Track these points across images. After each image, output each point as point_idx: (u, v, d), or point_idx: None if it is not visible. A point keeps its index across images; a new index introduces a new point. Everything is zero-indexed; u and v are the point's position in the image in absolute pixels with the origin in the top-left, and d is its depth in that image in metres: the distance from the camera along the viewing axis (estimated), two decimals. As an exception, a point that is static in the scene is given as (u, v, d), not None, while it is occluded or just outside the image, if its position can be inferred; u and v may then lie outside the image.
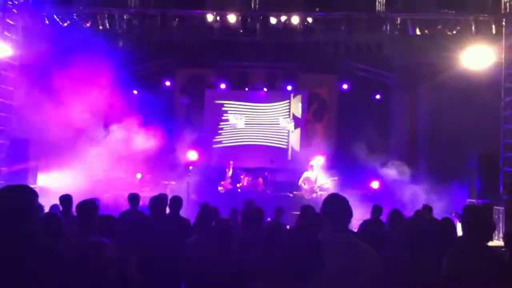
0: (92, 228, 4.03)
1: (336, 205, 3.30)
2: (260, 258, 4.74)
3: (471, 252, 3.26)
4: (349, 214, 3.29)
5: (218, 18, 12.50)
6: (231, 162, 14.63)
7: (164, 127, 15.49)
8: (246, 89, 16.53)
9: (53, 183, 12.36)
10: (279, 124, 16.46)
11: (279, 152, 16.36)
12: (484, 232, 3.36)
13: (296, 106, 16.46)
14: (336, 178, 12.68)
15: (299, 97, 16.42)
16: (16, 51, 12.90)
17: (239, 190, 14.19)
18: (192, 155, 15.83)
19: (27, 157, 12.33)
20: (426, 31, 12.15)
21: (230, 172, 14.33)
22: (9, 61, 12.75)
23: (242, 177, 14.27)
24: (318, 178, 12.55)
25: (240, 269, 4.49)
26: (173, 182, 14.76)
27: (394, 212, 5.95)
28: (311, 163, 12.92)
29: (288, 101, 16.45)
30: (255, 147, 16.37)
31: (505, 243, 5.27)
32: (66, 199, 7.03)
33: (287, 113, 16.47)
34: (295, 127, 16.42)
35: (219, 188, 14.13)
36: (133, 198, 7.56)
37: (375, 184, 14.51)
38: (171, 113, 16.33)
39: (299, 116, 16.40)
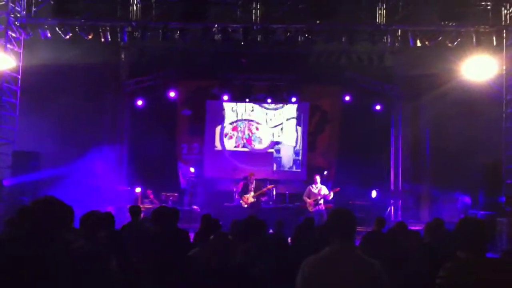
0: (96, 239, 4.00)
1: (342, 218, 3.30)
2: (264, 268, 4.71)
3: (469, 265, 3.20)
4: (354, 227, 3.31)
5: (220, 30, 12.51)
6: (252, 174, 13.64)
7: (166, 138, 15.48)
8: (247, 100, 16.38)
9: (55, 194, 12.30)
10: (280, 134, 16.41)
11: (281, 163, 16.31)
12: (479, 244, 3.29)
13: (297, 117, 16.40)
14: (338, 189, 12.61)
15: (299, 109, 16.37)
16: (18, 63, 12.94)
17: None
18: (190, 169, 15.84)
19: (29, 169, 12.28)
20: (427, 43, 12.16)
21: (254, 184, 13.25)
22: (11, 73, 12.78)
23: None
24: (321, 189, 12.48)
25: (243, 281, 4.45)
26: (175, 194, 14.76)
27: (400, 224, 5.92)
28: (315, 176, 12.80)
29: (288, 108, 16.42)
30: (257, 154, 16.31)
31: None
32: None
33: (290, 122, 16.43)
34: (297, 138, 16.37)
35: (241, 202, 13.18)
36: (135, 211, 7.55)
37: (373, 193, 14.49)
38: (173, 124, 16.34)
39: (300, 128, 16.36)
